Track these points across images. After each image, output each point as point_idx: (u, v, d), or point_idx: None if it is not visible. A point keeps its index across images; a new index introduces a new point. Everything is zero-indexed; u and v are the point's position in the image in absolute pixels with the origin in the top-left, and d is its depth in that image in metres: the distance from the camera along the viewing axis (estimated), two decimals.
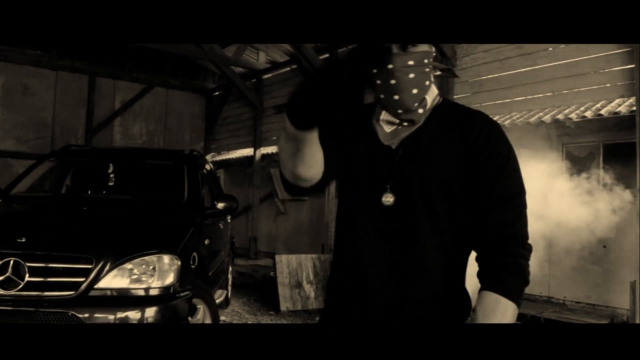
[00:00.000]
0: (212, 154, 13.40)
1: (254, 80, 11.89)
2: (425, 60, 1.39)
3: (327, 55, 9.82)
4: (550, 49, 6.73)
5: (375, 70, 1.37)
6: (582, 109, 6.87)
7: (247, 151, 12.34)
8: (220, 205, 4.95)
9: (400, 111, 1.40)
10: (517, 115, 7.62)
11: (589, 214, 6.18)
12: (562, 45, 6.58)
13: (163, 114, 12.89)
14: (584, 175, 6.62)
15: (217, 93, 13.34)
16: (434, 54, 1.43)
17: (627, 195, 5.99)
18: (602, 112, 6.48)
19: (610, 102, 6.55)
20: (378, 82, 1.38)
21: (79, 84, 11.75)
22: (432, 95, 1.45)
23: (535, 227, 6.06)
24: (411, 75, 1.37)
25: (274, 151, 11.74)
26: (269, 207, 11.90)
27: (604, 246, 6.44)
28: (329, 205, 9.62)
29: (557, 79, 6.64)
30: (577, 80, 6.45)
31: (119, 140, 12.31)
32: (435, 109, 1.46)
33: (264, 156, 11.80)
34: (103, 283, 3.30)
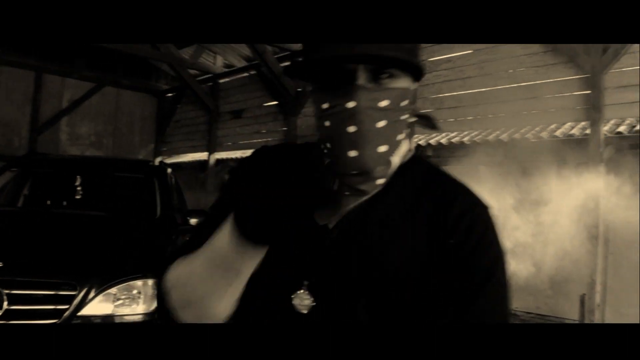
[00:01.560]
0: (163, 157, 13.09)
1: (210, 84, 11.71)
2: (405, 102, 0.92)
3: (287, 63, 9.79)
4: (510, 70, 7.00)
5: (326, 107, 0.90)
6: (537, 129, 7.20)
7: (201, 155, 12.13)
8: (193, 222, 4.87)
9: (354, 173, 0.90)
10: (476, 133, 7.88)
11: (542, 231, 6.48)
12: (523, 68, 6.85)
13: (113, 115, 12.47)
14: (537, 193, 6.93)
15: (170, 95, 13.04)
16: (416, 91, 0.98)
17: (580, 212, 6.31)
18: (557, 133, 6.82)
19: (565, 125, 6.90)
20: (327, 123, 0.90)
21: (24, 81, 11.19)
22: (400, 153, 0.99)
23: None
24: (380, 124, 0.88)
25: (229, 156, 11.62)
26: None
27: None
28: None
29: (517, 100, 6.91)
30: (535, 102, 6.74)
31: (65, 140, 11.81)
32: (401, 169, 0.99)
33: (218, 161, 11.64)
34: (87, 310, 3.19)
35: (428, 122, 1.11)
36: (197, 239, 0.96)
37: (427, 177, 1.00)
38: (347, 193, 0.94)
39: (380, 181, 0.93)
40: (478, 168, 7.40)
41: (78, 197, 4.92)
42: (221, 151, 11.56)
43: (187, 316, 0.93)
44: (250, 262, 0.85)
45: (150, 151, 12.99)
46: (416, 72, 0.95)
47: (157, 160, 12.81)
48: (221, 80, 11.56)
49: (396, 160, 0.98)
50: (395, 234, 0.93)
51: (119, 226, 4.26)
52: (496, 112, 7.20)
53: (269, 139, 10.43)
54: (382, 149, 0.89)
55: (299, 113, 9.63)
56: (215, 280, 0.87)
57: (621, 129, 6.27)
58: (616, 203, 6.41)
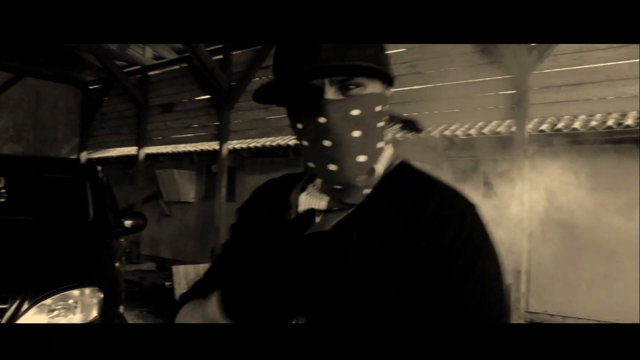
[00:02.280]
0: (89, 151, 12.57)
1: (139, 76, 11.33)
2: (378, 107, 0.92)
3: (220, 56, 9.64)
4: (442, 69, 7.22)
5: (300, 125, 0.92)
6: (466, 126, 7.48)
7: (129, 150, 11.75)
8: (127, 223, 4.72)
9: (338, 187, 0.92)
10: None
11: None
12: (453, 67, 7.09)
13: (33, 107, 11.83)
14: (466, 188, 7.21)
15: (95, 86, 12.51)
16: (389, 95, 0.98)
17: (506, 206, 6.62)
18: (485, 131, 7.11)
19: (492, 123, 7.21)
20: (305, 142, 0.92)
21: None
22: (384, 161, 0.97)
23: None
24: (355, 134, 0.88)
25: (159, 151, 11.33)
26: (153, 209, 11.44)
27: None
28: (219, 209, 9.48)
29: (447, 99, 7.14)
30: (465, 100, 6.99)
31: None
32: (388, 176, 0.97)
33: (148, 156, 11.32)
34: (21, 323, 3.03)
35: (412, 126, 1.06)
36: (210, 279, 1.06)
37: (412, 180, 0.97)
38: (336, 209, 0.94)
39: (367, 191, 0.93)
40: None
41: (2, 200, 4.64)
42: (151, 146, 11.24)
43: None
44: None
45: (75, 145, 12.44)
46: (385, 77, 0.95)
47: (83, 155, 12.30)
48: (150, 73, 11.23)
49: (380, 168, 0.96)
50: (386, 241, 0.90)
51: (50, 231, 4.05)
52: (427, 110, 7.41)
53: (201, 134, 10.25)
54: (362, 158, 0.89)
55: (233, 107, 9.51)
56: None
57: (544, 127, 6.63)
58: (538, 197, 6.78)
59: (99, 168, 5.26)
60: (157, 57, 11.16)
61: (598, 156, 6.42)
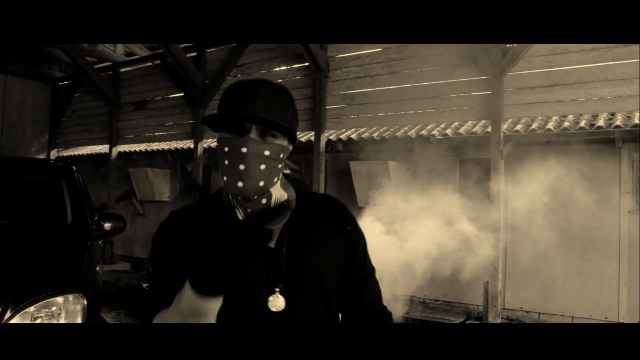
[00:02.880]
0: (59, 149, 12.30)
1: (111, 72, 11.11)
2: (281, 155, 1.30)
3: (195, 53, 9.53)
4: (418, 70, 7.28)
5: (227, 149, 1.26)
6: (442, 126, 7.57)
7: (101, 148, 11.54)
8: (107, 226, 4.63)
9: (239, 198, 1.29)
10: (384, 129, 8.14)
11: (447, 222, 6.84)
12: (429, 67, 7.16)
13: (0, 103, 11.49)
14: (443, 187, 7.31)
15: (65, 82, 12.22)
16: (290, 149, 1.35)
17: (482, 205, 6.73)
18: (461, 131, 7.22)
19: (468, 123, 7.31)
20: (226, 161, 1.27)
21: None
22: (278, 191, 1.34)
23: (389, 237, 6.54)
24: (262, 167, 1.26)
25: (132, 149, 11.15)
26: (126, 208, 11.28)
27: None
28: None
29: (423, 99, 7.21)
30: (441, 101, 7.07)
31: None
32: (297, 200, 1.43)
33: (120, 154, 11.14)
34: None
35: (298, 174, 1.53)
36: (157, 290, 1.33)
37: (310, 199, 1.48)
38: (241, 214, 1.35)
39: (264, 201, 1.31)
40: (387, 163, 7.67)
41: None
42: (123, 144, 11.05)
43: None
44: (215, 304, 1.13)
45: (44, 143, 12.15)
46: (292, 137, 1.34)
47: (53, 153, 12.03)
48: (122, 70, 11.01)
49: (275, 192, 1.34)
50: (321, 239, 1.40)
51: (28, 236, 3.97)
52: (404, 110, 7.47)
53: (176, 132, 10.12)
54: (261, 183, 1.27)
55: (207, 106, 9.41)
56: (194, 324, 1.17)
57: (518, 127, 6.76)
58: (515, 195, 6.92)
59: (53, 154, 5.15)
60: (128, 54, 10.97)
61: (571, 156, 6.59)
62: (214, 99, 9.36)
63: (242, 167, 1.25)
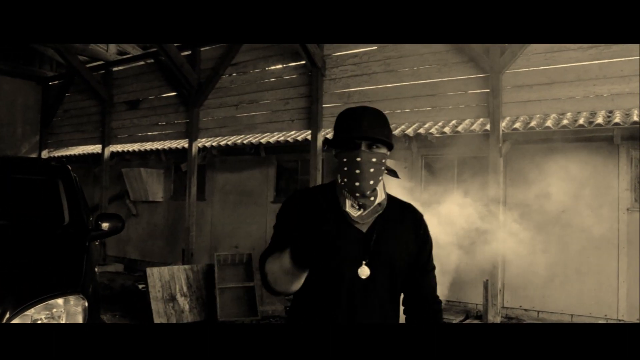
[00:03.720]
0: (50, 149, 12.15)
1: (103, 71, 11.00)
2: (383, 160, 1.78)
3: (189, 52, 9.44)
4: (415, 68, 7.25)
5: (345, 160, 1.75)
6: (440, 124, 7.54)
7: (94, 148, 11.41)
8: (105, 226, 4.54)
9: (357, 194, 1.76)
10: None
11: (445, 221, 6.81)
12: (427, 65, 7.13)
13: None
14: (441, 186, 7.29)
15: (56, 82, 12.08)
16: (388, 155, 1.81)
17: (482, 204, 6.71)
18: (459, 129, 7.19)
19: (466, 121, 7.29)
20: (345, 169, 1.76)
21: None
22: (381, 189, 1.83)
23: None
24: (372, 170, 1.74)
25: (125, 149, 11.04)
26: (119, 209, 11.16)
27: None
28: (190, 209, 9.30)
29: (420, 97, 7.18)
30: (438, 99, 7.04)
31: None
32: (388, 199, 1.86)
33: (113, 154, 11.02)
34: None
35: (394, 173, 1.92)
36: (275, 246, 1.79)
37: (398, 203, 1.91)
38: (355, 206, 1.79)
39: (372, 199, 1.79)
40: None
41: None
42: (116, 143, 10.94)
43: (278, 288, 1.72)
44: (303, 273, 1.61)
45: (35, 143, 12.00)
46: (390, 147, 1.82)
47: (44, 153, 11.89)
48: (115, 69, 10.90)
49: (379, 192, 1.81)
50: (400, 232, 1.84)
51: (25, 236, 3.88)
52: (401, 108, 7.43)
53: (170, 131, 10.03)
54: (372, 182, 1.75)
55: (202, 105, 9.34)
56: (287, 279, 1.65)
57: (517, 125, 6.74)
58: (513, 193, 6.90)
59: (44, 154, 5.06)
60: (121, 53, 10.85)
61: (569, 153, 6.58)
62: (208, 98, 9.28)
63: (357, 171, 1.73)
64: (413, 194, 7.60)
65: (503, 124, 6.59)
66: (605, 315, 6.46)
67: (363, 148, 1.73)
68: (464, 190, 6.96)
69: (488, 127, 6.69)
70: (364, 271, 1.77)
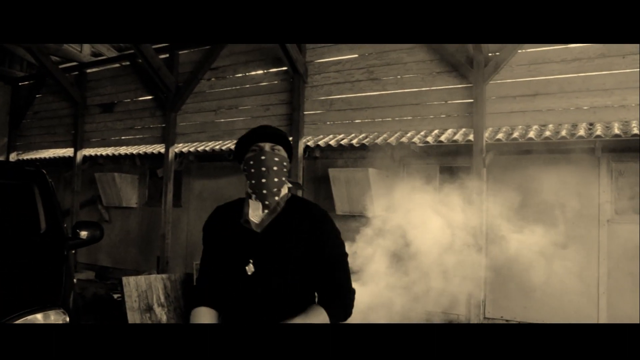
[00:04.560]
0: (19, 152, 11.74)
1: (76, 73, 10.68)
2: (285, 163, 2.04)
3: (167, 55, 9.23)
4: (399, 76, 7.22)
5: (252, 162, 2.00)
6: (422, 134, 7.53)
7: (65, 151, 11.08)
8: (83, 234, 4.34)
9: (265, 192, 1.99)
10: (364, 135, 8.05)
11: (427, 230, 6.77)
12: (410, 75, 7.10)
13: None
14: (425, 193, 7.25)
15: (26, 82, 11.70)
16: (289, 164, 2.08)
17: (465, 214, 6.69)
18: (442, 138, 7.18)
19: (448, 131, 7.28)
20: (252, 170, 2.00)
21: None
22: (284, 190, 2.06)
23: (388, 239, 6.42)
24: (275, 168, 1.99)
25: (98, 153, 10.75)
26: (91, 214, 10.85)
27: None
28: (165, 215, 9.06)
29: (404, 106, 7.14)
30: (422, 108, 7.01)
31: None
32: (288, 202, 2.07)
33: (85, 158, 10.70)
34: None
35: (298, 185, 2.18)
36: (203, 262, 2.17)
37: (298, 203, 2.10)
38: (266, 211, 2.03)
39: (277, 198, 2.04)
40: (367, 171, 7.57)
41: None
42: (89, 147, 10.63)
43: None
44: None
45: (3, 145, 11.59)
46: (289, 152, 2.10)
47: (12, 156, 11.50)
48: (89, 70, 10.60)
49: (284, 191, 2.07)
50: (291, 232, 2.01)
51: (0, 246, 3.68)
52: (384, 116, 7.38)
53: (145, 136, 9.79)
54: (276, 179, 2.00)
55: (179, 109, 9.13)
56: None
57: (499, 136, 6.76)
58: (495, 204, 6.91)
59: (12, 157, 4.84)
60: (95, 54, 10.56)
61: (551, 165, 6.62)
62: (186, 102, 9.09)
63: (263, 168, 1.99)
64: (394, 202, 7.56)
65: (486, 135, 6.60)
66: None
67: (266, 149, 1.99)
68: (445, 200, 6.94)
69: (471, 137, 6.69)
70: (250, 268, 1.96)
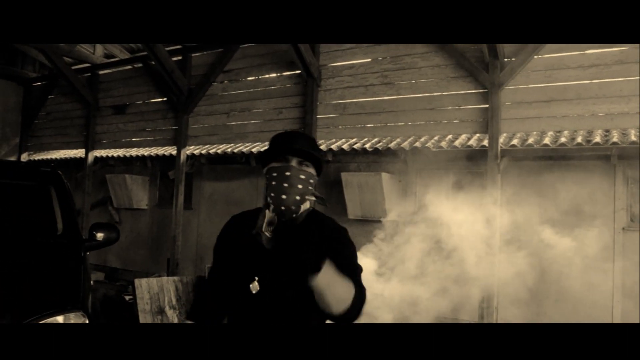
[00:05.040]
0: (30, 152, 11.79)
1: (89, 74, 10.73)
2: (311, 180, 1.89)
3: (179, 57, 9.26)
4: (413, 81, 7.20)
5: (275, 174, 1.85)
6: (436, 138, 7.49)
7: (76, 152, 11.10)
8: (99, 236, 4.35)
9: (283, 208, 1.84)
10: (377, 140, 8.03)
11: (440, 237, 6.74)
12: (425, 79, 7.08)
13: None
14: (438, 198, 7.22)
15: (39, 83, 11.75)
16: (317, 180, 1.94)
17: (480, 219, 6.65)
18: (456, 143, 7.14)
19: (462, 136, 7.25)
20: (273, 182, 1.85)
21: None
22: (305, 206, 1.92)
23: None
24: (300, 186, 1.84)
25: (110, 154, 10.77)
26: (101, 215, 10.86)
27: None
28: (176, 217, 9.07)
29: (418, 110, 7.12)
30: (436, 113, 6.99)
31: None
32: (307, 216, 1.95)
33: (97, 159, 10.73)
34: None
35: (321, 201, 2.00)
36: (213, 270, 2.14)
37: (317, 217, 1.99)
38: (283, 219, 1.90)
39: (294, 215, 1.89)
40: (380, 175, 7.54)
41: None
42: (100, 149, 10.66)
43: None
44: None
45: (15, 145, 11.64)
46: (319, 168, 1.95)
47: (24, 156, 11.55)
48: (101, 72, 10.65)
49: (305, 206, 1.92)
50: (303, 249, 1.77)
51: (18, 247, 3.67)
52: (397, 121, 7.37)
53: (157, 138, 9.82)
54: (298, 197, 1.86)
55: (192, 112, 9.15)
56: None
57: (514, 141, 6.72)
58: (510, 210, 6.86)
59: (23, 157, 4.84)
60: (107, 56, 10.60)
61: (566, 171, 6.57)
62: (198, 105, 9.10)
63: (286, 184, 1.84)
64: (407, 208, 7.54)
65: (500, 140, 6.56)
66: None
67: (293, 163, 1.85)
68: (459, 206, 6.90)
69: (485, 142, 6.65)
70: (254, 286, 1.88)
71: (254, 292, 1.87)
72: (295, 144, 1.88)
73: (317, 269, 1.68)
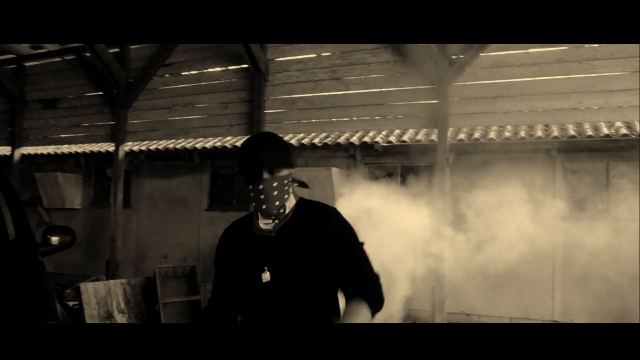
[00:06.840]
0: None
1: (14, 66, 10.04)
2: (286, 181, 1.95)
3: (117, 49, 8.85)
4: (362, 76, 7.25)
5: (251, 187, 1.93)
6: (385, 133, 7.61)
7: (1, 150, 10.39)
8: (54, 240, 4.11)
9: (268, 213, 1.96)
10: (325, 135, 8.04)
11: (390, 229, 6.86)
12: (374, 75, 7.16)
13: None
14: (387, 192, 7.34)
15: None
16: (293, 173, 2.00)
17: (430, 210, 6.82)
18: (405, 138, 7.29)
19: (410, 130, 7.40)
20: (252, 195, 1.94)
21: None
22: (290, 201, 2.00)
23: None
24: (275, 193, 1.92)
25: (39, 151, 10.17)
26: (30, 217, 10.09)
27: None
28: (115, 217, 8.69)
29: (367, 106, 7.19)
30: (385, 108, 7.09)
31: None
32: (297, 206, 2.02)
33: (24, 157, 10.10)
34: None
35: (303, 184, 2.10)
36: (216, 287, 2.15)
37: (307, 205, 2.04)
38: (269, 221, 2.00)
39: (282, 211, 1.96)
40: (330, 170, 7.57)
41: None
42: (28, 145, 10.04)
43: None
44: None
45: None
46: (291, 163, 1.99)
47: None
48: (28, 64, 9.99)
49: (287, 205, 1.98)
50: (304, 235, 1.95)
51: None
52: (346, 116, 7.41)
53: (92, 134, 9.35)
54: (277, 202, 1.93)
55: (131, 106, 8.78)
56: None
57: (461, 136, 6.94)
58: (456, 202, 7.08)
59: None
60: (35, 47, 9.96)
61: (509, 164, 6.87)
62: (138, 99, 8.75)
63: (262, 196, 1.91)
64: (354, 202, 7.60)
65: (448, 135, 6.75)
66: (542, 317, 6.80)
67: (265, 176, 1.90)
68: (407, 198, 7.04)
69: (433, 137, 6.83)
70: (266, 276, 1.94)
71: (264, 281, 1.93)
72: (262, 156, 1.90)
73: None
